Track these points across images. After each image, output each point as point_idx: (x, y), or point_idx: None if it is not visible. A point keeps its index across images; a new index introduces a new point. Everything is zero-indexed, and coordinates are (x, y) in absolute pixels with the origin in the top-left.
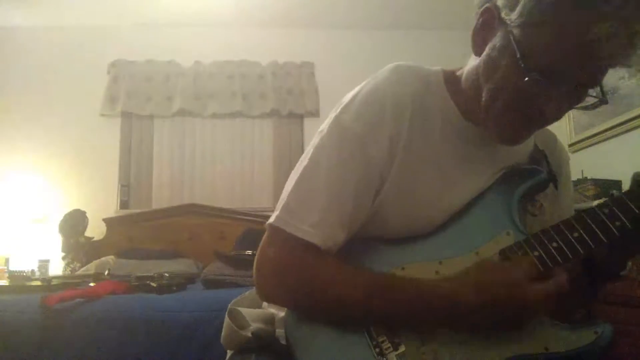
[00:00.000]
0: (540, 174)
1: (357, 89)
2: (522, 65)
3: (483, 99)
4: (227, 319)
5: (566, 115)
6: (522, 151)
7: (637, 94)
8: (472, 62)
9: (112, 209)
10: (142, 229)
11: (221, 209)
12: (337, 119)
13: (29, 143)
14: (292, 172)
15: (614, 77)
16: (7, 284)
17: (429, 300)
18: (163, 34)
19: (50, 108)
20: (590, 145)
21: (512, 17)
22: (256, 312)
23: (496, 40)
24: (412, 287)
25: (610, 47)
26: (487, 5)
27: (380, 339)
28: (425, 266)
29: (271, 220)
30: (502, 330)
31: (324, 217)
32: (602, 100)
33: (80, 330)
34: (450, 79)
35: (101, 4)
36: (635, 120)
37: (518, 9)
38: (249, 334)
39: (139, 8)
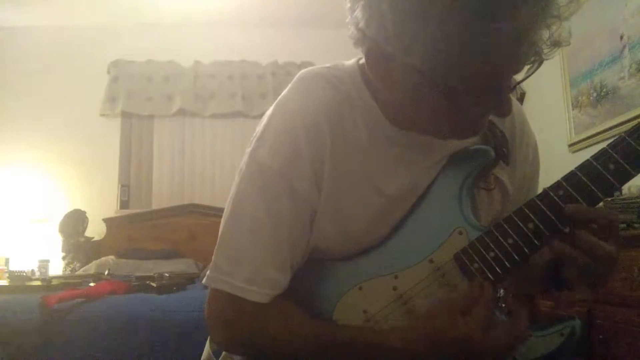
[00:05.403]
0: (487, 153)
1: (268, 113)
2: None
3: (418, 120)
4: (207, 348)
5: (566, 115)
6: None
7: (637, 94)
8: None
9: (112, 209)
10: (142, 229)
11: (221, 209)
12: (252, 155)
13: (29, 143)
14: (224, 213)
15: (614, 77)
16: (7, 284)
17: (380, 353)
18: (163, 34)
19: (51, 108)
20: (590, 145)
21: (411, 60)
22: None
23: (400, 76)
24: (361, 340)
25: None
26: (369, 46)
27: None
28: (382, 282)
29: (204, 280)
30: None
31: (257, 269)
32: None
33: (80, 330)
34: (368, 75)
35: (101, 4)
36: (635, 120)
37: (416, 53)
38: None
39: (139, 8)
